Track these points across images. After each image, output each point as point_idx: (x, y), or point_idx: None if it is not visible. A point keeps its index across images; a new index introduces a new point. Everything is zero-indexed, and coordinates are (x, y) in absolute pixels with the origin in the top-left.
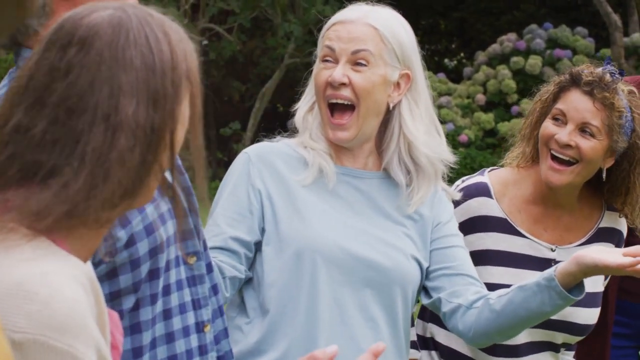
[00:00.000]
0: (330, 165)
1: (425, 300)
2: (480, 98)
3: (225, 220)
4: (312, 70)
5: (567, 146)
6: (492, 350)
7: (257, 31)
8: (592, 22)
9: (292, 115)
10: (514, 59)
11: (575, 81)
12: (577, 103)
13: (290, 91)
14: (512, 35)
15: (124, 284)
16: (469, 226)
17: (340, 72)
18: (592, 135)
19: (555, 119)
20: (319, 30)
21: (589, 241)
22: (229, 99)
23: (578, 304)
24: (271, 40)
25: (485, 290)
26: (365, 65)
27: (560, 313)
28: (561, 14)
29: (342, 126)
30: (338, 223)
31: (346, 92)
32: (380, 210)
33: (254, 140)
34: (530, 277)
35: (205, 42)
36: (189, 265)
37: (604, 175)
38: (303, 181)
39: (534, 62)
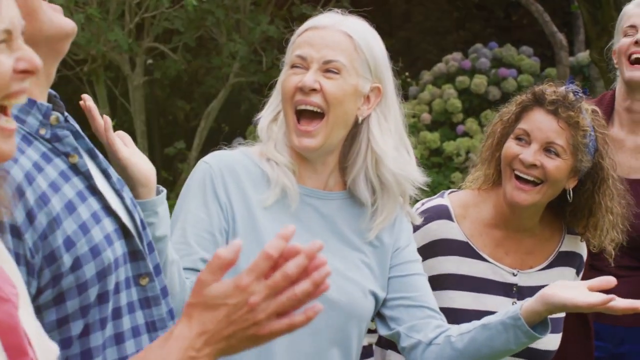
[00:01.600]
0: (294, 186)
1: (383, 331)
2: (426, 117)
3: (195, 239)
4: (257, 88)
5: (532, 166)
6: None
7: (201, 50)
8: (537, 42)
9: (238, 135)
10: (460, 78)
11: (538, 100)
12: (541, 122)
13: (236, 111)
14: (457, 55)
15: (71, 309)
16: (429, 250)
17: (311, 77)
18: (557, 155)
19: (518, 139)
20: (264, 50)
21: (550, 265)
22: (173, 118)
23: None
24: (216, 60)
25: (445, 324)
26: (337, 73)
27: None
28: (506, 33)
29: (309, 133)
30: None
31: (316, 99)
32: (341, 235)
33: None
34: (492, 301)
35: (150, 61)
36: (141, 287)
37: (570, 196)
38: (264, 201)
39: (479, 82)
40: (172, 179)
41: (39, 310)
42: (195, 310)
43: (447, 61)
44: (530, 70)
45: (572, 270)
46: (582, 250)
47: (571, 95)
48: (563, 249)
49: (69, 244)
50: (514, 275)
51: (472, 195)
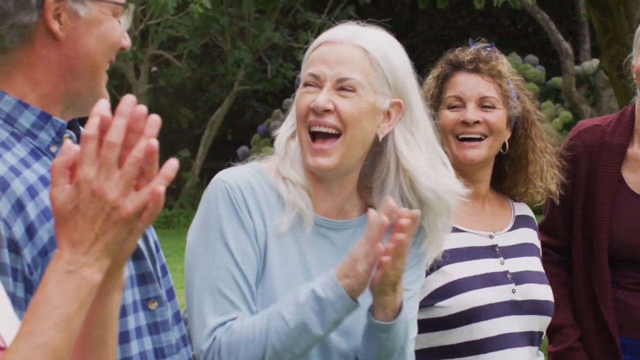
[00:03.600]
0: (310, 209)
1: None
2: None
3: (242, 295)
4: (262, 96)
5: (476, 123)
6: (455, 349)
7: (206, 58)
8: (542, 50)
9: (242, 142)
10: None
11: (456, 65)
12: (467, 82)
13: (240, 119)
14: None
15: None
16: None
17: (324, 97)
18: (493, 107)
19: (451, 107)
20: (269, 57)
21: (515, 226)
22: (177, 126)
23: (530, 280)
24: (220, 67)
25: None
26: (352, 91)
27: (522, 292)
28: (511, 41)
29: (323, 152)
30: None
31: (331, 120)
32: None
33: (204, 168)
34: (484, 265)
35: (154, 68)
36: (149, 311)
37: (506, 148)
38: (278, 227)
39: None
40: (176, 187)
41: None
42: (58, 229)
43: None
44: (536, 79)
45: (534, 231)
46: (530, 212)
47: (482, 51)
48: (517, 213)
49: None
50: (491, 237)
51: None
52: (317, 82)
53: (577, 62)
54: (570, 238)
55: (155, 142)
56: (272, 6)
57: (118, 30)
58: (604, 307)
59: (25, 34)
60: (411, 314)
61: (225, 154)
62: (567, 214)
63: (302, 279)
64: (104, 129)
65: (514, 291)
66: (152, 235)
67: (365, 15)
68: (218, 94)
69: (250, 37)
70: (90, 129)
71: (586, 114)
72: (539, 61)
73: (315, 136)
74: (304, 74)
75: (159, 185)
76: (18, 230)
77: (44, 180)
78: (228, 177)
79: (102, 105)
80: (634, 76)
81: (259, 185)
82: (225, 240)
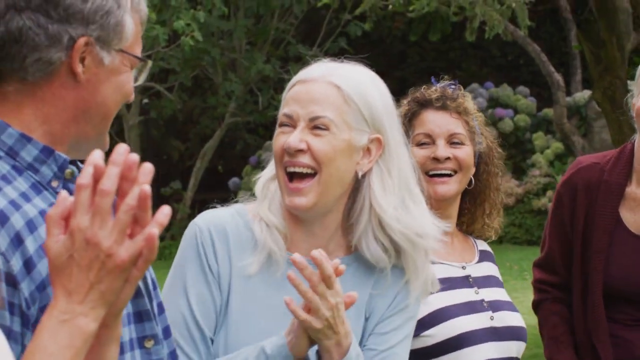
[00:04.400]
0: (281, 251)
1: None
2: None
3: (204, 321)
4: (253, 127)
5: (447, 159)
6: None
7: (197, 90)
8: (533, 82)
9: (234, 174)
10: None
11: (423, 103)
12: (436, 120)
13: (231, 151)
14: None
15: None
16: None
17: (297, 137)
18: (462, 143)
19: (420, 144)
20: (260, 89)
21: (480, 260)
22: (168, 158)
23: (504, 308)
24: (212, 99)
25: None
26: (325, 129)
27: (500, 319)
28: (503, 73)
29: (299, 191)
30: (268, 335)
31: (305, 159)
32: None
33: (195, 200)
34: (460, 295)
35: (145, 100)
36: (146, 350)
37: (472, 183)
38: (246, 269)
39: None
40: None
41: None
42: (53, 278)
43: None
44: (527, 111)
45: (495, 266)
46: (489, 247)
47: (448, 88)
48: (480, 248)
49: None
50: (464, 268)
51: None
52: (291, 122)
53: (569, 93)
54: (569, 275)
55: (148, 189)
56: (263, 38)
57: (132, 83)
58: (599, 344)
59: (48, 70)
60: (401, 357)
61: (217, 185)
62: (566, 252)
63: (266, 321)
64: (97, 178)
65: (492, 318)
66: (150, 272)
67: (356, 47)
68: (209, 125)
69: (242, 69)
70: (84, 178)
71: (577, 145)
72: (530, 92)
73: (292, 176)
74: (280, 114)
75: (153, 229)
76: (16, 264)
77: (44, 215)
78: (201, 220)
79: (96, 155)
80: (634, 115)
81: (234, 226)
82: (185, 287)
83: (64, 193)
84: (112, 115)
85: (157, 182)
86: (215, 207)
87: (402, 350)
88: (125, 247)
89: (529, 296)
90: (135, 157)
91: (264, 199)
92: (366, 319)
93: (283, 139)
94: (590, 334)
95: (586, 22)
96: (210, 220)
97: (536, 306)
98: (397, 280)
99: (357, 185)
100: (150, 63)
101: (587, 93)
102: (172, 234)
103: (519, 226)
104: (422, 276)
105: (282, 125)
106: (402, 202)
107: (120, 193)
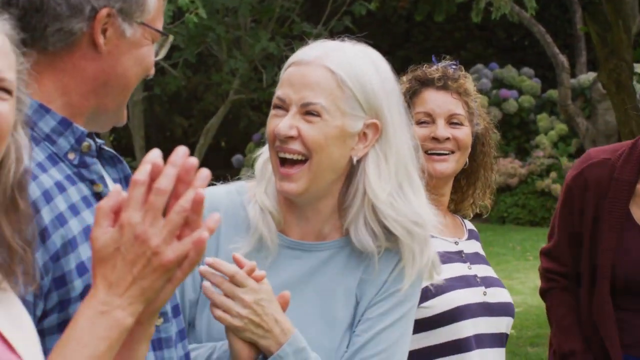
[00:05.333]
0: (272, 235)
1: None
2: None
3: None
4: (257, 105)
5: (446, 140)
6: (441, 349)
7: (201, 67)
8: (538, 63)
9: (237, 151)
10: None
11: (425, 82)
12: (437, 99)
13: (235, 128)
14: None
15: None
16: None
17: (287, 123)
18: (461, 124)
19: (421, 122)
20: (264, 67)
21: (469, 238)
22: (171, 134)
23: (495, 285)
24: (216, 76)
25: None
26: (317, 116)
27: (492, 295)
28: (507, 54)
29: (289, 177)
30: None
31: (295, 146)
32: (326, 291)
33: None
34: (454, 269)
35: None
36: (155, 327)
37: (467, 163)
38: (234, 251)
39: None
40: None
41: (42, 335)
42: (95, 268)
43: None
44: (531, 92)
45: (479, 244)
46: (473, 227)
47: (449, 69)
48: (467, 227)
49: (82, 270)
50: (457, 244)
51: None
52: (283, 105)
53: (573, 75)
54: (577, 265)
55: (202, 194)
56: (268, 16)
57: (152, 56)
58: (607, 340)
59: (69, 41)
60: (389, 341)
61: (220, 162)
62: (574, 244)
63: None
64: (154, 176)
65: (485, 293)
66: None
67: (361, 26)
68: (213, 102)
69: (246, 47)
70: (140, 174)
71: (582, 126)
72: (535, 74)
73: (284, 161)
74: (275, 95)
75: (203, 233)
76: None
77: (59, 186)
78: None
79: (155, 154)
80: None
81: (230, 205)
82: None
83: (117, 187)
84: (132, 88)
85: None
86: (214, 184)
87: (390, 334)
88: (172, 247)
89: (531, 276)
90: (194, 160)
91: (262, 179)
92: (357, 304)
93: (275, 122)
94: (597, 327)
95: (592, 4)
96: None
97: (543, 294)
98: (389, 265)
99: (353, 169)
100: (171, 38)
101: (591, 75)
102: None
103: (522, 207)
104: (419, 263)
105: (275, 107)
106: (398, 188)
107: (175, 194)
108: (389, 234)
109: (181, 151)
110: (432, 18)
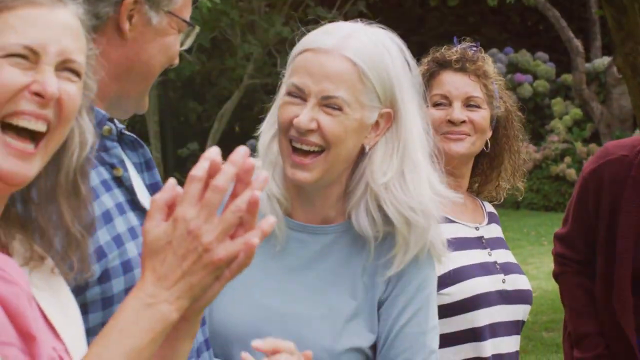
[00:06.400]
0: (281, 226)
1: None
2: None
3: None
4: (271, 89)
5: (462, 123)
6: (455, 337)
7: (215, 51)
8: (553, 47)
9: (251, 136)
10: None
11: (443, 64)
12: (454, 82)
13: (249, 112)
14: None
15: (93, 323)
16: None
17: (307, 116)
18: (479, 107)
19: (437, 104)
20: (279, 51)
21: (489, 222)
22: (185, 120)
23: (514, 271)
24: (230, 61)
25: None
26: (338, 109)
27: (511, 282)
28: (522, 38)
29: (304, 166)
30: (248, 300)
31: (314, 138)
32: (330, 274)
33: None
34: (474, 255)
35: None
36: None
37: (488, 146)
38: None
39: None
40: (184, 180)
41: None
42: (145, 260)
43: None
44: (546, 76)
45: (499, 228)
46: (494, 209)
47: (469, 50)
48: (487, 210)
49: (101, 254)
50: (477, 229)
51: None
52: (301, 95)
53: (588, 59)
54: (589, 253)
55: (258, 195)
56: (282, 0)
57: (178, 46)
58: (623, 323)
59: (95, 25)
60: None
61: (234, 146)
62: (587, 235)
63: (261, 294)
64: (211, 173)
65: (504, 281)
66: None
67: (375, 11)
68: (227, 87)
69: (260, 31)
70: (198, 170)
71: (596, 111)
72: (549, 58)
73: (295, 148)
74: (288, 80)
75: (254, 238)
76: None
77: None
78: None
79: (214, 151)
80: None
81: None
82: None
83: (172, 180)
84: (155, 76)
85: (174, 143)
86: None
87: (414, 328)
88: (224, 246)
89: (546, 261)
90: (254, 161)
91: (267, 163)
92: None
93: (291, 110)
94: (613, 312)
95: None
96: None
97: (557, 277)
98: (389, 253)
99: (360, 155)
100: (197, 29)
101: (606, 59)
102: None
103: (537, 192)
104: (412, 251)
105: (290, 94)
106: (401, 175)
107: (232, 193)
108: (388, 221)
109: (242, 151)
110: (446, 3)
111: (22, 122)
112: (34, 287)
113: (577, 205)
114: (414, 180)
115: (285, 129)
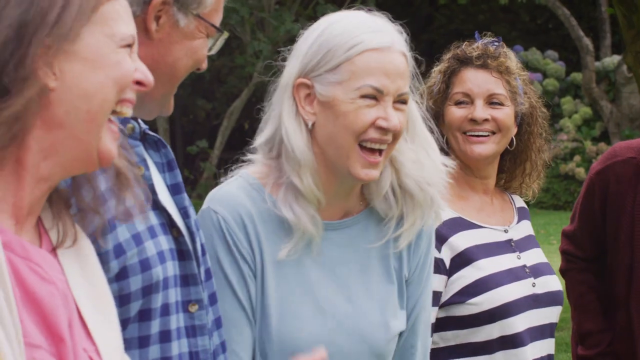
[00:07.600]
0: (319, 231)
1: None
2: None
3: (244, 343)
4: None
5: (485, 121)
6: (488, 346)
7: (225, 49)
8: (562, 46)
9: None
10: None
11: (464, 61)
12: (476, 79)
13: (258, 110)
14: None
15: None
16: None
17: (395, 120)
18: (502, 104)
19: (459, 102)
20: (288, 49)
21: (519, 219)
22: (194, 117)
23: (544, 273)
24: (239, 59)
25: None
26: (405, 104)
27: (541, 285)
28: (532, 37)
29: (376, 165)
30: (310, 313)
31: (388, 137)
32: (362, 264)
33: (222, 158)
34: (504, 260)
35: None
36: (189, 314)
37: (514, 143)
38: (282, 254)
39: None
40: (193, 177)
41: None
42: None
43: None
44: (556, 75)
45: (529, 223)
46: (523, 202)
47: (490, 46)
48: (517, 205)
49: (119, 251)
50: (506, 232)
51: None
52: (379, 96)
53: (598, 58)
54: (595, 251)
55: None
56: None
57: (205, 50)
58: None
59: None
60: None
61: (243, 144)
62: (593, 235)
63: (309, 307)
64: None
65: (534, 285)
66: (200, 237)
67: (384, 9)
68: (236, 85)
69: (270, 29)
70: None
71: (606, 110)
72: (559, 57)
73: (364, 147)
74: (359, 83)
75: None
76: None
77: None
78: (219, 206)
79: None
80: None
81: (254, 205)
82: (226, 278)
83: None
84: (180, 79)
85: (184, 141)
86: (240, 167)
87: (427, 299)
88: None
89: (555, 260)
90: None
91: (307, 168)
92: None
93: (373, 113)
94: (631, 313)
95: None
96: (230, 203)
97: (563, 274)
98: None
99: None
100: (226, 34)
101: (616, 58)
102: (198, 193)
103: (546, 191)
104: (425, 220)
105: (366, 97)
106: (414, 152)
107: None
108: (404, 197)
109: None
110: (456, 1)
111: None
112: (71, 277)
113: (583, 205)
114: (427, 154)
115: (361, 130)
